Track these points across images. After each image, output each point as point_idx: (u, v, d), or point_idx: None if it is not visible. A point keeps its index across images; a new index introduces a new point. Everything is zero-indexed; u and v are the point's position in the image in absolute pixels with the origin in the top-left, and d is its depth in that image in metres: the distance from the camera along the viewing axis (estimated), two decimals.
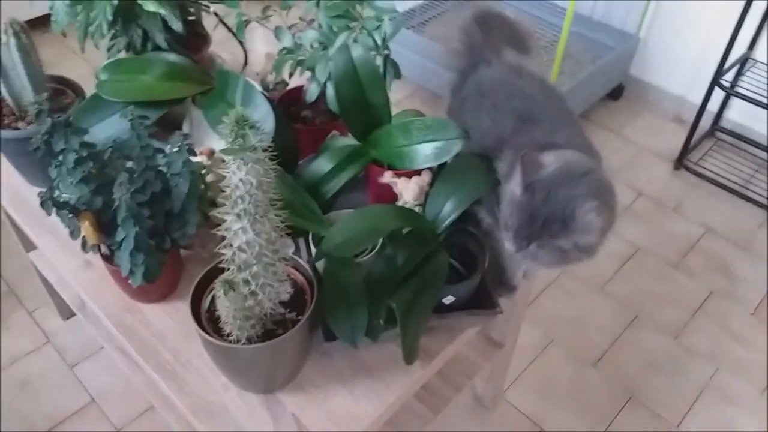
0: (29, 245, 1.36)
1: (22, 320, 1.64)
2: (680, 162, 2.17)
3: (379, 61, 0.99)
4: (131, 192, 0.82)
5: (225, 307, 0.74)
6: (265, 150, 0.66)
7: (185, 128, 1.11)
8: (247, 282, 0.75)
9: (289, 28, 1.07)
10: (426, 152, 0.94)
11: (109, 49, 1.11)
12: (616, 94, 2.41)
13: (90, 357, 1.57)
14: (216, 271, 0.80)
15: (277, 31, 1.06)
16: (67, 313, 1.60)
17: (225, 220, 0.72)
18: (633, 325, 1.72)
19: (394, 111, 1.03)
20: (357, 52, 0.96)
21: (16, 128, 1.09)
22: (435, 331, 0.94)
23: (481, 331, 1.32)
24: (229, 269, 0.75)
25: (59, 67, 1.19)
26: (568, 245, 0.80)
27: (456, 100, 1.06)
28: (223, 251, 0.74)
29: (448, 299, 0.91)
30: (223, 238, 0.73)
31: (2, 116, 1.12)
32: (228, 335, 0.79)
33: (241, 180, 0.65)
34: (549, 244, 0.81)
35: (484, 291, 0.95)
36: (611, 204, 0.83)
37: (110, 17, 1.00)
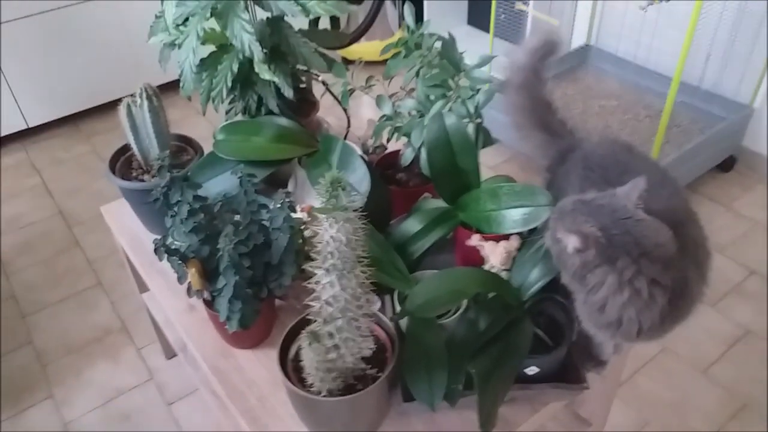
0: (143, 287, 1.48)
1: (131, 356, 1.76)
2: None
3: (471, 128, 1.02)
4: (235, 243, 0.89)
5: (309, 358, 0.78)
6: (355, 210, 0.70)
7: (290, 186, 1.19)
8: (331, 335, 0.78)
9: (390, 96, 1.14)
10: (514, 218, 0.95)
11: (227, 112, 1.22)
12: (726, 165, 2.30)
13: (186, 397, 1.65)
14: (305, 323, 0.84)
15: (379, 100, 1.13)
16: (170, 352, 1.71)
17: (315, 274, 0.76)
18: (740, 414, 1.58)
19: (489, 175, 1.05)
20: (450, 120, 1.00)
21: (142, 180, 1.22)
22: (517, 402, 0.92)
23: (568, 406, 1.27)
24: (316, 321, 0.79)
25: (183, 127, 1.32)
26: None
27: (558, 175, 1.05)
28: (312, 303, 0.78)
29: (532, 370, 0.90)
30: (314, 290, 0.78)
31: (131, 169, 1.25)
32: (311, 386, 0.83)
33: (331, 237, 0.69)
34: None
35: (570, 364, 0.92)
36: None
37: (230, 84, 1.11)
